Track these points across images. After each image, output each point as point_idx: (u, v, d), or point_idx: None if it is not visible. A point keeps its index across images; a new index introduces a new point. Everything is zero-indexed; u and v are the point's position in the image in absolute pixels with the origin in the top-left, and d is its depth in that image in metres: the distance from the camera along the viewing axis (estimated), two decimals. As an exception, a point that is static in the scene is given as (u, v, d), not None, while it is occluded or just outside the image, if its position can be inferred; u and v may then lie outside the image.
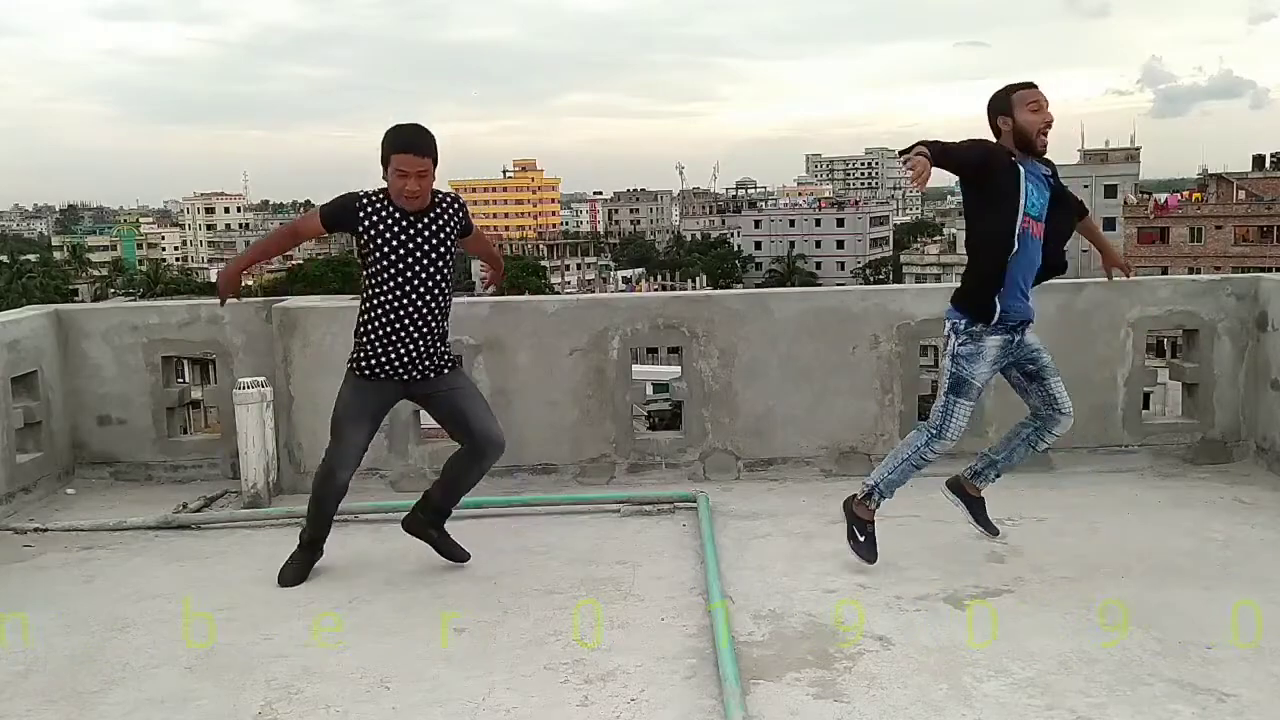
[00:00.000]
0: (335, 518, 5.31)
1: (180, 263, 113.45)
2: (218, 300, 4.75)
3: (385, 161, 4.16)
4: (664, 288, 79.26)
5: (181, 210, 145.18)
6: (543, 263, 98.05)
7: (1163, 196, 67.48)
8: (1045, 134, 4.29)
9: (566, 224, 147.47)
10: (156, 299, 45.53)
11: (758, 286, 57.32)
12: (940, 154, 4.05)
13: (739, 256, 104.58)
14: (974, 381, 4.32)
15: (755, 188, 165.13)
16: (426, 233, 4.25)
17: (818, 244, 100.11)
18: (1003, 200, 4.21)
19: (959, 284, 4.45)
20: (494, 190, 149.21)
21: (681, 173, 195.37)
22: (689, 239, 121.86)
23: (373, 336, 4.28)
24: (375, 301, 4.27)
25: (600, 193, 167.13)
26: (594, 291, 66.62)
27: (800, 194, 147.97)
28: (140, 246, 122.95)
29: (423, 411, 6.19)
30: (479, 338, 5.95)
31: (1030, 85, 4.34)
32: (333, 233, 4.45)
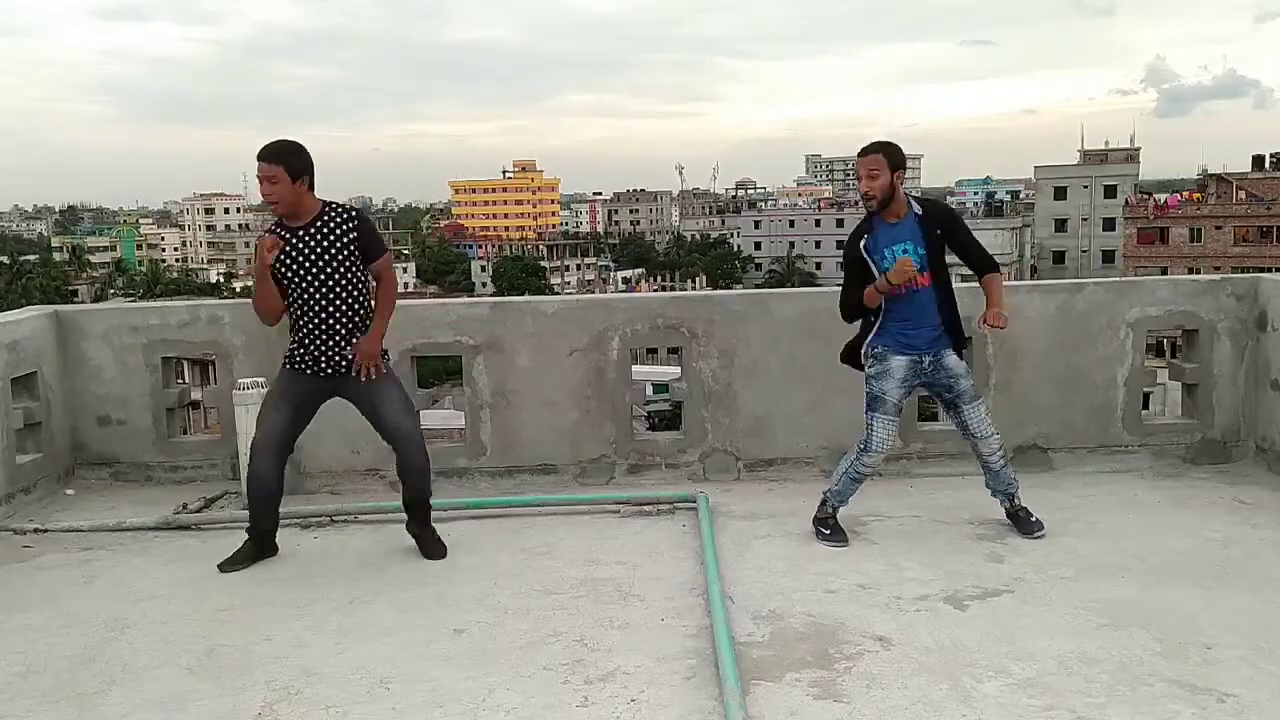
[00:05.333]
0: (335, 518, 5.34)
1: (180, 263, 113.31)
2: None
3: None
4: (664, 288, 79.30)
5: (181, 211, 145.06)
6: (542, 263, 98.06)
7: (1162, 197, 67.44)
8: (867, 199, 4.70)
9: (566, 224, 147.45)
10: (156, 300, 45.54)
11: (757, 287, 57.33)
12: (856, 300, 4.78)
13: (739, 257, 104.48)
14: (886, 398, 4.75)
15: (755, 188, 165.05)
16: (308, 241, 4.58)
17: (817, 244, 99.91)
18: (868, 276, 4.73)
19: None
20: (494, 190, 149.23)
21: (681, 173, 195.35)
22: (689, 239, 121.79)
23: (294, 334, 4.70)
24: (290, 302, 4.67)
25: (600, 193, 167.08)
26: (594, 292, 66.64)
27: (800, 194, 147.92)
28: (140, 247, 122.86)
29: (423, 411, 6.23)
30: (478, 338, 5.96)
31: (858, 155, 4.74)
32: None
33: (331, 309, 4.59)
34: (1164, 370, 6.64)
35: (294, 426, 4.76)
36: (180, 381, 6.53)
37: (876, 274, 4.67)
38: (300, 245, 4.57)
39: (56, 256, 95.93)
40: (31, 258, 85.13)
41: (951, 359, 4.79)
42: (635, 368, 6.18)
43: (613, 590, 4.32)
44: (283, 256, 4.57)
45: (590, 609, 4.13)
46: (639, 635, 3.87)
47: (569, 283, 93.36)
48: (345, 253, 4.59)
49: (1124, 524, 5.04)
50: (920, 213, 4.74)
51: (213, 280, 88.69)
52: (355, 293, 4.64)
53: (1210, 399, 6.06)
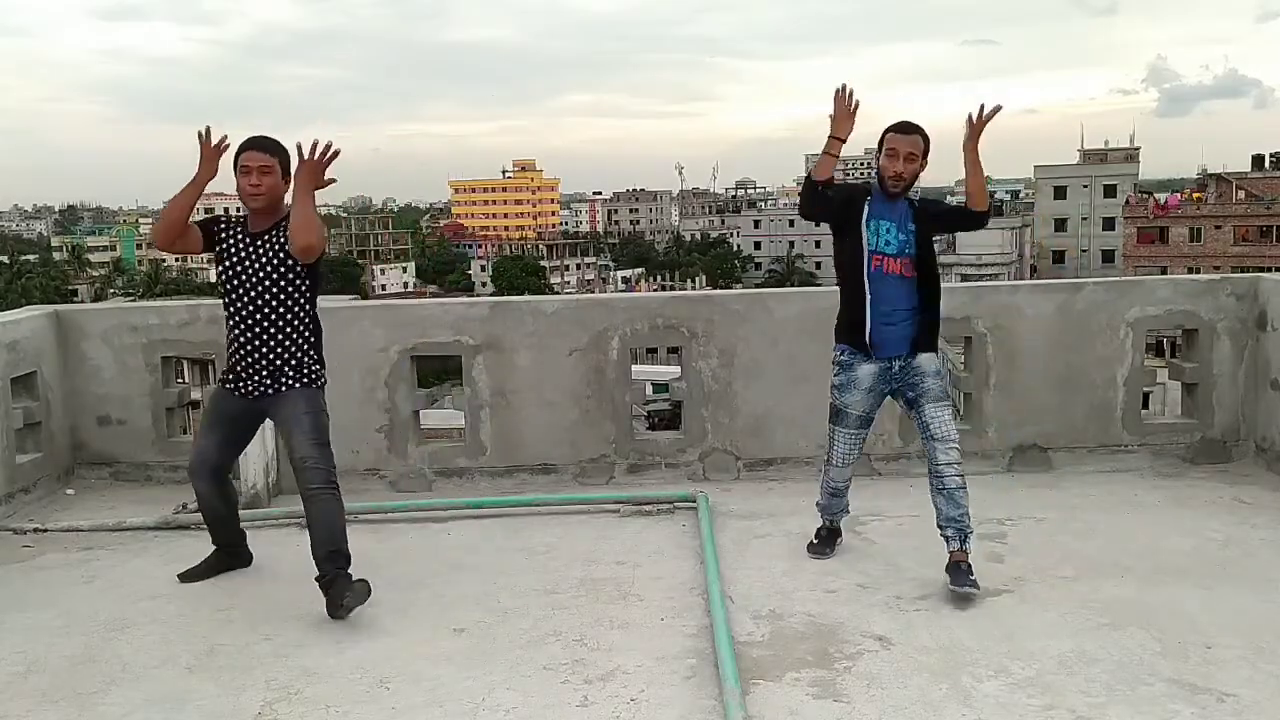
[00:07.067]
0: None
1: (180, 263, 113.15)
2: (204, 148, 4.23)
3: (235, 169, 4.24)
4: (663, 288, 79.29)
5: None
6: (542, 263, 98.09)
7: (1163, 196, 67.44)
8: (897, 181, 4.31)
9: (566, 224, 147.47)
10: (156, 299, 45.49)
11: (757, 286, 57.34)
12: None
13: (738, 256, 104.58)
14: (849, 410, 4.44)
15: (755, 188, 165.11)
16: (269, 248, 4.24)
17: (817, 244, 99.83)
18: (848, 234, 4.38)
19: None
20: (494, 190, 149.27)
21: (681, 173, 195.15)
22: (688, 239, 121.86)
23: (227, 349, 4.40)
24: (225, 315, 4.35)
25: (600, 193, 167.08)
26: (594, 292, 66.65)
27: (799, 194, 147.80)
28: (140, 246, 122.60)
29: (423, 411, 6.23)
30: (478, 338, 5.96)
31: (895, 129, 4.34)
32: (206, 242, 4.35)
33: (274, 326, 4.25)
34: (1164, 370, 6.65)
35: (226, 448, 4.52)
36: (180, 381, 6.53)
37: (864, 232, 4.30)
38: (260, 251, 4.24)
39: (56, 256, 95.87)
40: (31, 257, 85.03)
41: (923, 357, 4.36)
42: (635, 367, 6.18)
43: (613, 590, 4.33)
44: (236, 260, 4.26)
45: (590, 608, 4.13)
46: (639, 635, 3.87)
47: (569, 282, 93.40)
48: (300, 266, 4.25)
49: (1124, 523, 5.05)
50: (916, 200, 4.42)
51: (212, 280, 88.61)
52: (301, 313, 4.30)
53: (1210, 399, 6.06)
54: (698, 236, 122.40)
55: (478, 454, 6.01)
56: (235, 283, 4.28)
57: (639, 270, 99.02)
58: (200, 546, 5.04)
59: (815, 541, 4.77)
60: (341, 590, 4.03)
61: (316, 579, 4.13)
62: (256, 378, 4.31)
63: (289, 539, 5.11)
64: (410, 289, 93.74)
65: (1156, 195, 68.48)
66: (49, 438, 5.95)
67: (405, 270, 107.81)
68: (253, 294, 4.25)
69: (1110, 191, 71.49)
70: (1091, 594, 4.15)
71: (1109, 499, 5.44)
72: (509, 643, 3.83)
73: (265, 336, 4.27)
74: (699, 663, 3.60)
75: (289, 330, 4.30)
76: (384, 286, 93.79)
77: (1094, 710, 3.23)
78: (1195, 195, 65.59)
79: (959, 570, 4.19)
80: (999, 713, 3.23)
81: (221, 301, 4.40)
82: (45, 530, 5.28)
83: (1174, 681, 3.40)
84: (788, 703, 3.33)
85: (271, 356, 4.29)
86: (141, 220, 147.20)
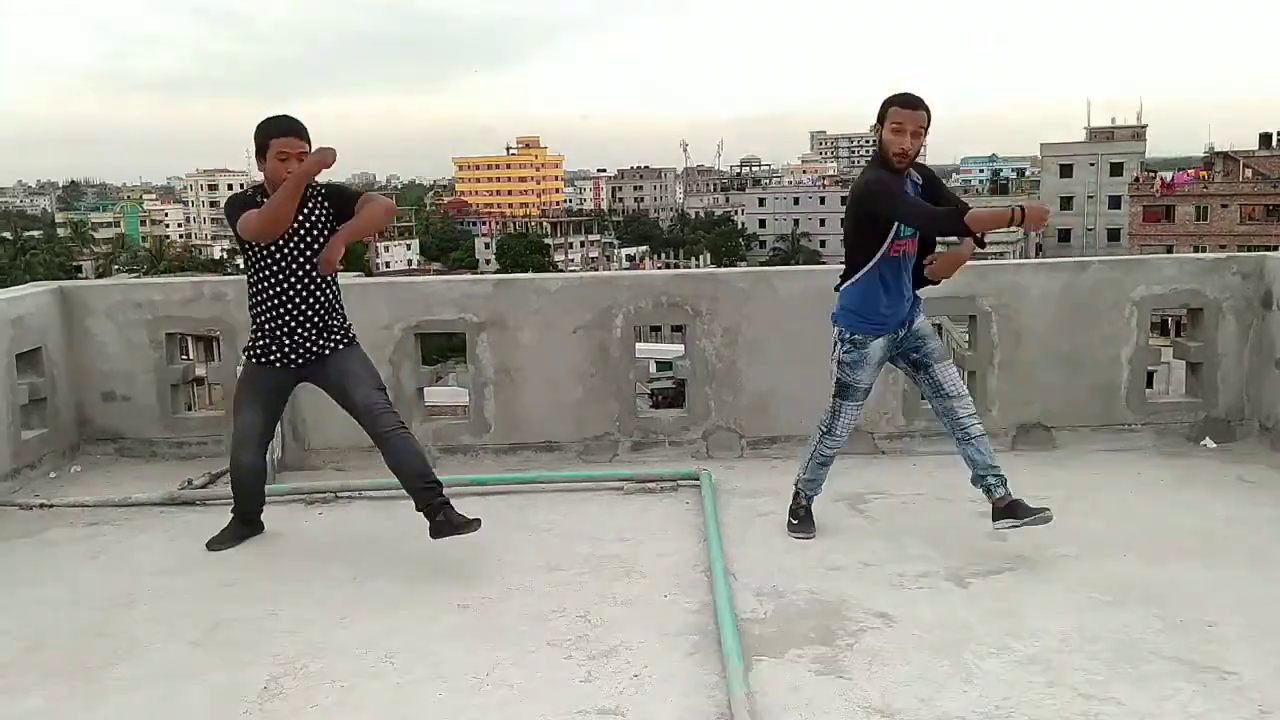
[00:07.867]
0: (339, 494, 5.36)
1: (184, 239, 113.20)
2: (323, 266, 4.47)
3: (263, 151, 4.34)
4: (668, 265, 79.14)
5: (185, 187, 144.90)
6: (546, 240, 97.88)
7: (1169, 174, 67.06)
8: (905, 158, 4.27)
9: (570, 201, 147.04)
10: (160, 276, 45.47)
11: (762, 265, 57.13)
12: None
13: (743, 234, 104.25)
14: (858, 386, 4.52)
15: (759, 165, 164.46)
16: (307, 216, 4.39)
17: (822, 222, 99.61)
18: (882, 223, 4.33)
19: (840, 297, 4.50)
20: (497, 168, 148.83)
21: (685, 150, 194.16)
22: (693, 217, 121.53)
23: (261, 326, 4.49)
24: (259, 291, 4.46)
25: (604, 170, 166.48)
26: (598, 269, 66.55)
27: (805, 171, 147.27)
28: (144, 223, 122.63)
29: (427, 388, 6.24)
30: (482, 315, 5.95)
31: (901, 104, 4.25)
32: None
33: (309, 293, 4.42)
34: (1168, 349, 6.63)
35: (270, 420, 4.68)
36: (184, 358, 6.54)
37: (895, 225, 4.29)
38: (299, 219, 4.38)
39: (60, 232, 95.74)
40: (35, 234, 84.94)
41: (919, 321, 4.51)
42: (639, 345, 6.18)
43: (616, 567, 4.34)
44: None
45: (593, 585, 4.15)
46: (642, 611, 3.89)
47: (573, 260, 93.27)
48: (327, 232, 4.43)
49: (1127, 502, 5.05)
50: (920, 179, 4.44)
51: (216, 256, 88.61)
52: (331, 276, 4.50)
53: (1215, 378, 6.05)
54: (702, 214, 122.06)
55: (482, 431, 6.02)
56: (283, 252, 4.38)
57: (643, 248, 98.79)
58: (205, 521, 5.06)
59: (796, 522, 4.70)
60: (451, 518, 4.36)
61: (418, 509, 4.43)
62: (306, 343, 4.46)
63: (295, 515, 5.13)
64: (414, 266, 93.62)
65: (1162, 174, 68.05)
66: (54, 413, 5.96)
67: (409, 247, 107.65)
68: (300, 259, 4.40)
69: (1117, 170, 71.14)
70: (1094, 572, 4.15)
71: (1112, 477, 5.44)
72: (513, 619, 3.85)
73: (319, 295, 4.45)
74: (702, 639, 3.62)
75: (333, 290, 4.52)
76: (388, 264, 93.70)
77: (1095, 688, 3.24)
78: (1202, 174, 65.19)
79: (1021, 506, 4.33)
80: (1001, 690, 3.24)
81: (262, 274, 4.41)
82: (51, 506, 5.30)
83: (1176, 659, 3.41)
84: (790, 679, 3.34)
85: (324, 315, 4.49)
86: (145, 196, 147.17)
